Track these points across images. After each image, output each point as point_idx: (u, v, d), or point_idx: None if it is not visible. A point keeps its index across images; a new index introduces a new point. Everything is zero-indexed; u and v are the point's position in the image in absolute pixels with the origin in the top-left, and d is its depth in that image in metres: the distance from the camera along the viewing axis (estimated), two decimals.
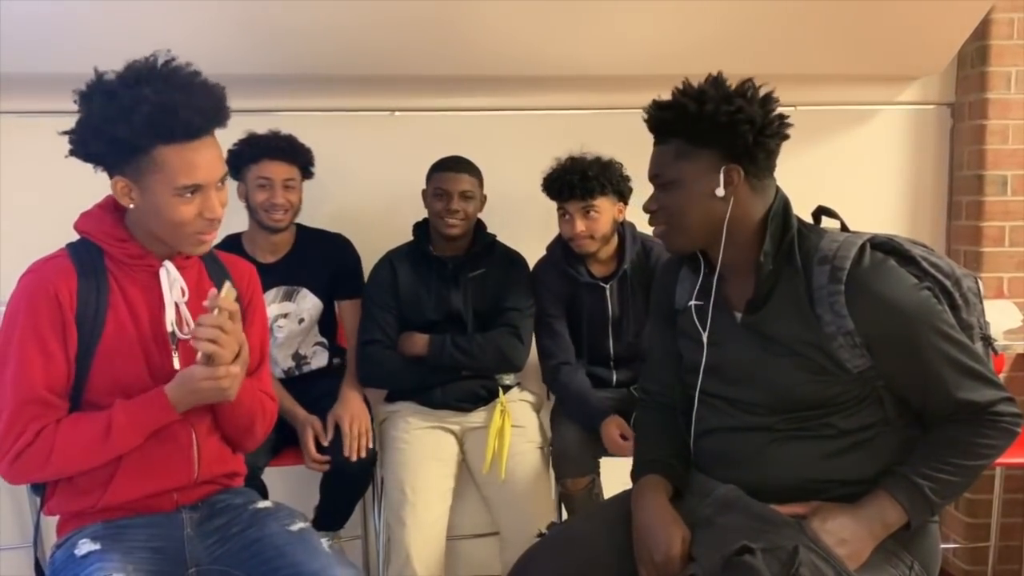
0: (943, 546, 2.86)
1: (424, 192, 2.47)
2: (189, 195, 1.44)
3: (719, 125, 1.43)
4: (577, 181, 2.32)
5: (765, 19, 2.50)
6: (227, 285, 1.48)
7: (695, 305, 1.57)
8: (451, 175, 2.41)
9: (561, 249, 2.46)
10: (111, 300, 1.49)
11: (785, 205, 1.50)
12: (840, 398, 1.44)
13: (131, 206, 1.46)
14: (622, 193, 2.39)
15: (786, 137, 1.50)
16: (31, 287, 1.47)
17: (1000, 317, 2.48)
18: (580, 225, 2.34)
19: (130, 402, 1.47)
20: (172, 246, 1.52)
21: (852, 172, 2.88)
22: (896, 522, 1.40)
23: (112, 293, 1.50)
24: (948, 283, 1.47)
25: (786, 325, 1.45)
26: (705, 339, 1.54)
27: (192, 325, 1.52)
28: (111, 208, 1.54)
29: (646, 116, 1.52)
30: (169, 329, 1.52)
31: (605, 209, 2.35)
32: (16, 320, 1.46)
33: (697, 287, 1.58)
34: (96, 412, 1.47)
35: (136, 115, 1.36)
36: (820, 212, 1.58)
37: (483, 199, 2.49)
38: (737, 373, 1.51)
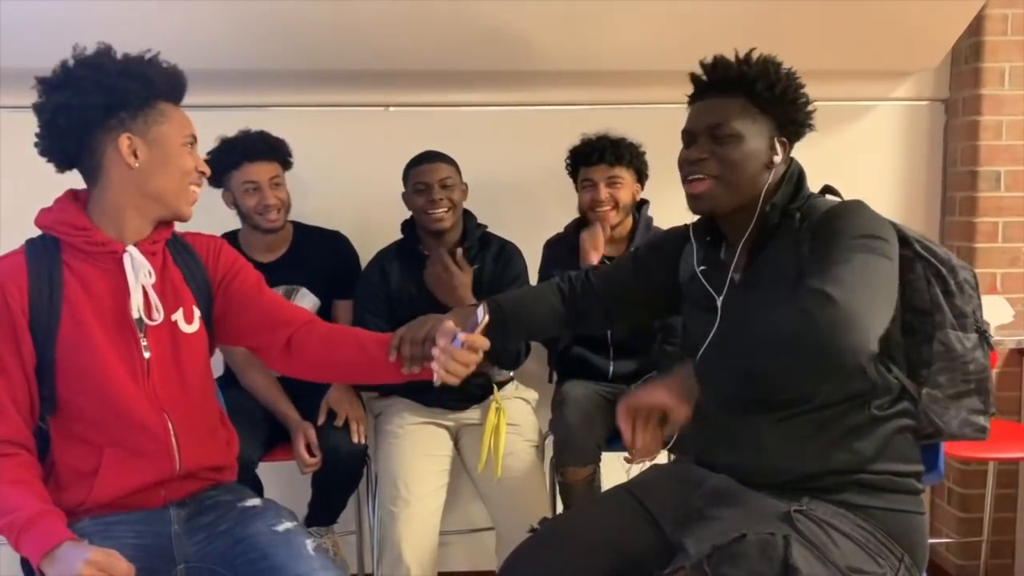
0: (936, 540, 2.91)
1: (404, 195, 2.44)
2: (190, 146, 1.54)
3: (785, 96, 1.48)
4: (608, 145, 2.42)
5: (761, 15, 2.50)
6: (482, 316, 1.53)
7: (702, 271, 1.57)
8: (426, 167, 2.39)
9: (576, 227, 2.50)
10: (66, 292, 1.48)
11: (800, 172, 1.54)
12: None
13: (135, 165, 1.48)
14: (641, 173, 2.48)
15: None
16: None
17: (993, 313, 2.49)
18: (604, 191, 2.42)
19: (37, 519, 1.36)
20: (168, 205, 1.53)
21: (846, 168, 2.86)
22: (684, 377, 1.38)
23: (67, 286, 1.49)
24: (943, 269, 1.47)
25: (778, 268, 1.45)
26: (720, 303, 1.53)
27: (161, 310, 1.53)
28: (71, 200, 1.55)
29: (711, 67, 1.52)
30: (135, 315, 1.52)
31: (627, 182, 2.44)
32: None
33: (703, 257, 1.58)
34: (23, 494, 1.39)
35: (152, 66, 1.50)
36: (825, 190, 1.59)
37: (464, 188, 2.45)
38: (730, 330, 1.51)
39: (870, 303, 1.29)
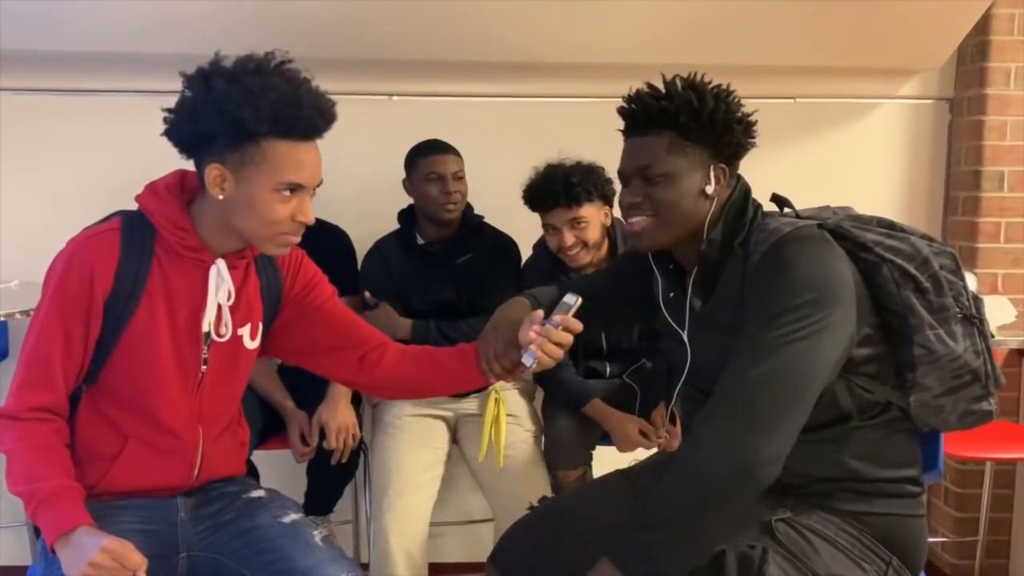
0: (932, 540, 2.87)
1: (406, 181, 2.43)
2: (287, 193, 1.40)
3: (715, 121, 1.40)
4: (561, 189, 2.21)
5: (765, 10, 2.50)
6: (574, 299, 1.46)
7: (672, 298, 1.54)
8: (442, 157, 2.38)
9: (549, 253, 2.34)
10: (148, 286, 1.45)
11: (745, 194, 1.46)
12: None
13: (220, 197, 1.40)
14: (607, 197, 2.27)
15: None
16: (70, 261, 1.42)
17: (995, 312, 2.48)
18: (569, 237, 2.22)
19: (58, 496, 1.37)
20: (253, 243, 1.47)
21: (849, 165, 2.88)
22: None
23: (152, 279, 1.45)
24: (911, 266, 1.38)
25: (729, 311, 1.41)
26: (686, 336, 1.50)
27: (229, 327, 1.50)
28: (178, 190, 1.48)
29: (633, 104, 1.45)
30: (205, 329, 1.50)
31: (592, 216, 2.24)
32: (48, 289, 1.43)
33: (669, 284, 1.55)
34: (49, 463, 1.40)
35: (263, 101, 1.34)
36: (777, 200, 1.52)
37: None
38: (700, 364, 1.48)
39: (769, 430, 1.27)
